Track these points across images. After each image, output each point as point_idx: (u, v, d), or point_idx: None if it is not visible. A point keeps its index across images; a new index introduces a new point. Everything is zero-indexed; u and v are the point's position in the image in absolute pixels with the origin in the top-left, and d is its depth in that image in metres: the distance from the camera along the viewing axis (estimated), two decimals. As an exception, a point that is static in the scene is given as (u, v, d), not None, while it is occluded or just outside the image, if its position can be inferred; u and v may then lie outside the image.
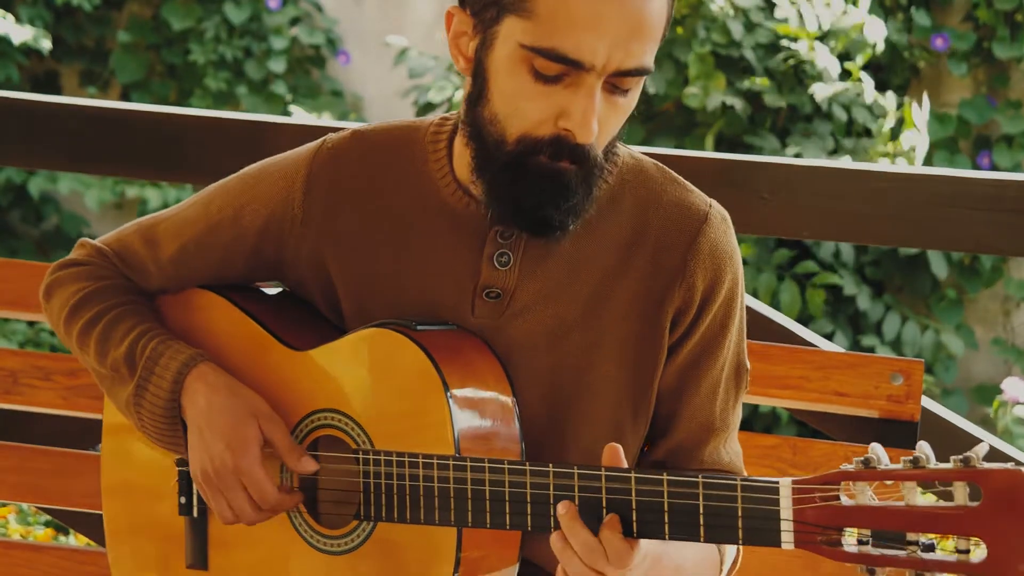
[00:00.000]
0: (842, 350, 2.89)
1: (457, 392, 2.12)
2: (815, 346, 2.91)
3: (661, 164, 2.26)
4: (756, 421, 6.27)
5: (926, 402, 2.83)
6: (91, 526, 3.09)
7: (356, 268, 2.25)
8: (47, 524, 4.36)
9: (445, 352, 2.15)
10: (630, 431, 2.23)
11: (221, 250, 2.32)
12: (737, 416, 2.30)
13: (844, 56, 6.60)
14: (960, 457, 1.82)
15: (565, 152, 2.09)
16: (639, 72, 2.08)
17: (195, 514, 2.30)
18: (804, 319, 6.38)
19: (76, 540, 4.14)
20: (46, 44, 7.28)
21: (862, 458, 1.86)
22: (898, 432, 2.70)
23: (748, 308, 2.96)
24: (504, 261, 2.20)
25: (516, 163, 2.11)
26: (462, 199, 2.21)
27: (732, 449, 2.29)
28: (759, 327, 2.93)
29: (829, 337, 6.36)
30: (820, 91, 6.36)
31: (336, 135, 2.31)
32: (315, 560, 2.20)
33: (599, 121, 2.07)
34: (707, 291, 2.22)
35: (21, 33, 7.22)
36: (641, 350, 2.21)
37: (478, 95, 2.14)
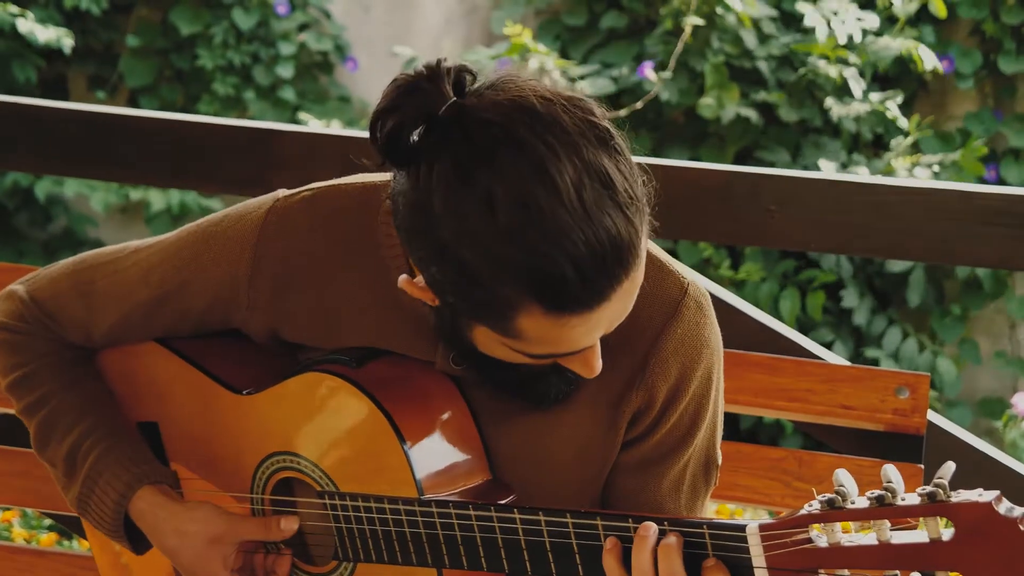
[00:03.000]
0: (848, 363, 2.88)
1: (410, 430, 2.05)
2: (821, 359, 2.90)
3: None
4: (761, 432, 6.26)
5: (932, 416, 2.83)
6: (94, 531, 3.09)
7: (308, 343, 2.17)
8: (51, 529, 4.36)
9: (391, 386, 2.07)
10: (574, 500, 2.11)
11: (166, 320, 2.24)
12: (705, 512, 2.18)
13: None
14: (926, 492, 1.80)
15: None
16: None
17: None
18: (804, 327, 6.37)
19: (79, 545, 4.14)
20: (68, 43, 7.25)
21: (826, 497, 1.84)
22: (904, 446, 2.70)
23: (754, 320, 2.96)
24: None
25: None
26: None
27: None
28: (765, 339, 2.92)
29: (828, 347, 6.36)
30: (837, 107, 6.35)
31: (286, 199, 2.16)
32: None
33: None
34: (672, 391, 2.07)
35: (44, 33, 7.20)
36: (592, 444, 2.10)
37: (451, 331, 1.98)
